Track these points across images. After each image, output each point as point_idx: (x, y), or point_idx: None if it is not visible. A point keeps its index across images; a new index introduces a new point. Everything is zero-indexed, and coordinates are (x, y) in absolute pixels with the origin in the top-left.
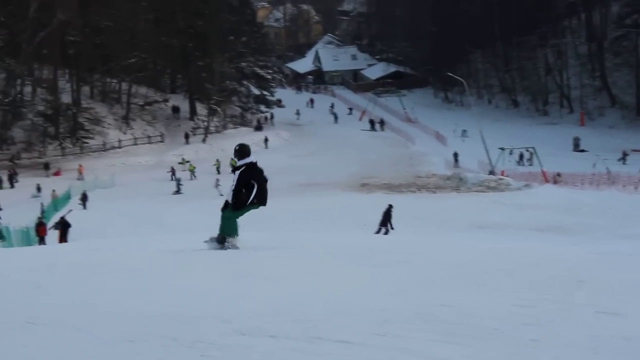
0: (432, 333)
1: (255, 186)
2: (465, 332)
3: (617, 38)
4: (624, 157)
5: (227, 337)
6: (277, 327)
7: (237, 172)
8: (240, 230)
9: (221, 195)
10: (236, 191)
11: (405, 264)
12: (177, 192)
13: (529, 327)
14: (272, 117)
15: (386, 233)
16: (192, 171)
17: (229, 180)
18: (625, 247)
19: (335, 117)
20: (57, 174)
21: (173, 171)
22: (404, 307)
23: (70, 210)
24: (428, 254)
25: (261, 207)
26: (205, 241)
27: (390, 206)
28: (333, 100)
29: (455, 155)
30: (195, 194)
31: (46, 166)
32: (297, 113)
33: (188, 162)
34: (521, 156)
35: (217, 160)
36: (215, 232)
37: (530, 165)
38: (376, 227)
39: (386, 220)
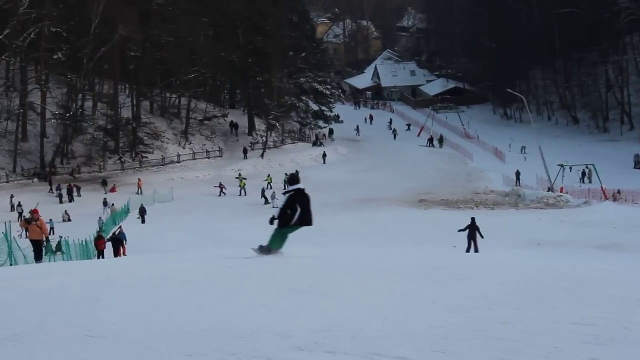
0: (490, 350)
1: (299, 210)
2: (523, 349)
3: None
4: None
5: (284, 352)
6: (335, 342)
7: (287, 195)
8: (290, 245)
9: (274, 207)
10: (283, 210)
11: (463, 281)
12: (266, 202)
13: (589, 346)
14: (331, 132)
15: (476, 250)
16: (242, 187)
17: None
18: None
19: (395, 134)
20: (112, 190)
21: (221, 186)
22: (462, 324)
23: (120, 226)
24: (486, 270)
25: (317, 224)
26: (254, 248)
27: (473, 219)
28: (391, 115)
29: (517, 173)
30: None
31: (103, 182)
32: (357, 129)
33: (245, 178)
34: (583, 173)
35: (269, 176)
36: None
37: (590, 182)
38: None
39: (474, 234)
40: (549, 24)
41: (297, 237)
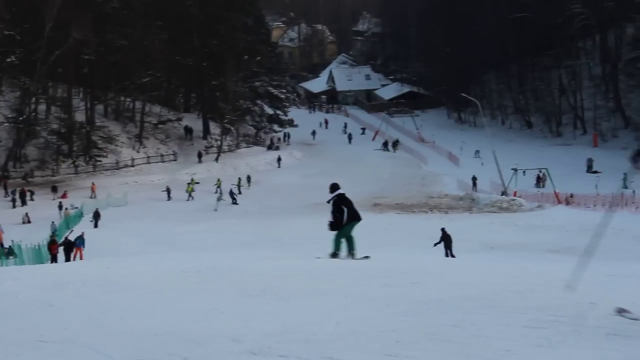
0: (442, 353)
1: (346, 210)
2: (475, 352)
3: (631, 60)
4: None
5: (238, 356)
6: (288, 346)
7: (331, 202)
8: (245, 250)
9: (215, 210)
10: (333, 215)
11: (416, 285)
12: (234, 202)
13: (541, 349)
14: (288, 136)
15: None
16: (190, 192)
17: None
18: (637, 269)
19: (350, 138)
20: (64, 196)
21: (168, 190)
22: (414, 327)
23: (72, 230)
24: (439, 274)
25: (270, 228)
26: (318, 257)
27: (443, 230)
28: (346, 120)
29: (474, 179)
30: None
31: (53, 188)
32: (313, 133)
33: (197, 182)
34: (539, 178)
35: (219, 180)
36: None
37: (543, 186)
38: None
39: (449, 244)
40: (503, 29)
41: (252, 242)
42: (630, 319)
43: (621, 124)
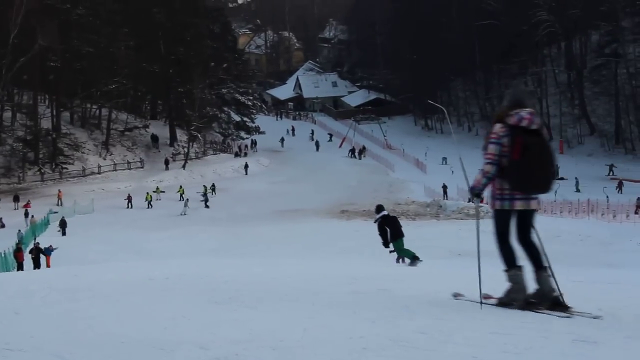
0: None
1: (388, 230)
2: (442, 359)
3: (596, 67)
4: (619, 187)
5: None
6: (255, 354)
7: (376, 223)
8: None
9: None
10: (381, 235)
11: (383, 291)
12: (206, 206)
13: (508, 355)
14: (255, 143)
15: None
16: (149, 200)
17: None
18: (603, 275)
19: (317, 145)
20: (27, 205)
21: (129, 198)
22: (382, 334)
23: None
24: (407, 281)
25: (237, 235)
26: (411, 264)
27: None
28: (313, 127)
29: (444, 187)
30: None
31: (16, 198)
32: (281, 140)
33: (163, 191)
34: None
35: (181, 187)
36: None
37: None
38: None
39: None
40: (469, 36)
41: (219, 249)
42: (466, 300)
43: (587, 130)
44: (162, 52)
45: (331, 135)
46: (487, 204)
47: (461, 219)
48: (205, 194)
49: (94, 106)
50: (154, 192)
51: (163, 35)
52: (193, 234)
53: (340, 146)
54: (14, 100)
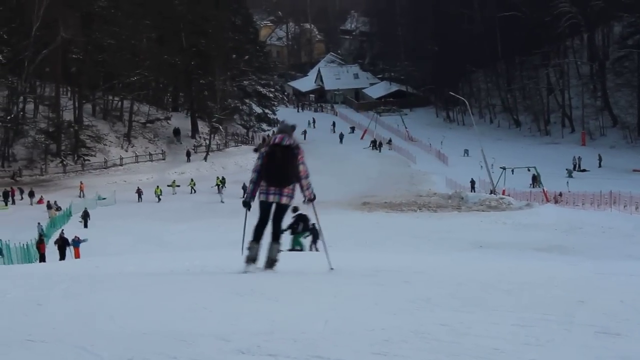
0: (431, 352)
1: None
2: (463, 351)
3: (618, 58)
4: None
5: (226, 355)
6: (277, 345)
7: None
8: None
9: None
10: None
11: (405, 283)
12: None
13: (529, 347)
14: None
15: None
16: (158, 195)
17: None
18: (625, 267)
19: (341, 137)
20: (40, 202)
21: (140, 192)
22: (403, 326)
23: (62, 229)
24: (428, 273)
25: None
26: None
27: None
28: (334, 118)
29: (472, 182)
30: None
31: (31, 193)
32: (304, 133)
33: (178, 186)
34: (534, 177)
35: (217, 178)
36: None
37: (538, 187)
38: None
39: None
40: (491, 28)
41: (240, 241)
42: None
43: (609, 122)
44: (183, 44)
45: (353, 128)
46: (509, 195)
47: (482, 211)
48: (218, 187)
49: (115, 98)
50: (168, 186)
51: (184, 28)
52: (213, 226)
53: (361, 138)
54: (36, 92)
